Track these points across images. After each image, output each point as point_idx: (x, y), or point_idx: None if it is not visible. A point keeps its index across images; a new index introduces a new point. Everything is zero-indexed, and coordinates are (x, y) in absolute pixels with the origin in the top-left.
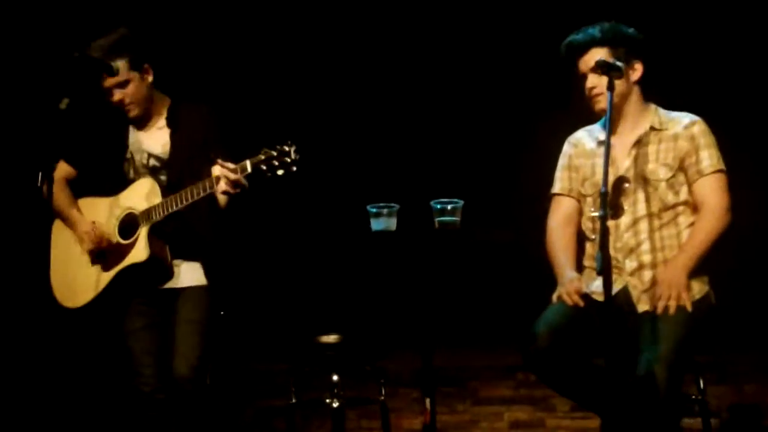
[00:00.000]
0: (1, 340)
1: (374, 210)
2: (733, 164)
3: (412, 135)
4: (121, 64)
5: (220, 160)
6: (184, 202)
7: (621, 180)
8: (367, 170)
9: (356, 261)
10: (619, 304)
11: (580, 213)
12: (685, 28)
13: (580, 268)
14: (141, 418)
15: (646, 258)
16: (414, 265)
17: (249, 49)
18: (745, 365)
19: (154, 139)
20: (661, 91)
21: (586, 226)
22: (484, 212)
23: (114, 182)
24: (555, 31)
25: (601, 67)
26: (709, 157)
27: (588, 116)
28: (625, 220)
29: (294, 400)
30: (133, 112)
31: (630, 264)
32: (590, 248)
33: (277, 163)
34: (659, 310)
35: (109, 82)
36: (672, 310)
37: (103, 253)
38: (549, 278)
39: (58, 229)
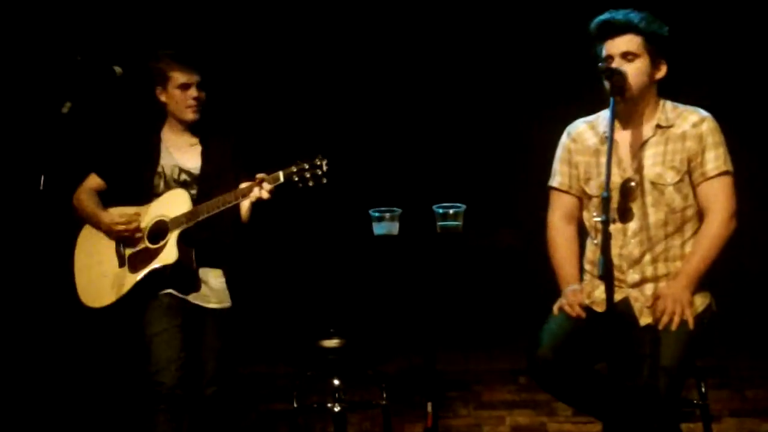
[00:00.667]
0: (18, 339)
1: (376, 214)
2: (739, 164)
3: (414, 139)
4: (201, 74)
5: (260, 175)
6: (214, 210)
7: (628, 182)
8: (369, 175)
9: (358, 265)
10: (620, 313)
11: (581, 209)
12: (693, 24)
13: (581, 268)
14: (156, 415)
15: (649, 271)
16: (416, 269)
17: (252, 54)
18: (747, 370)
19: (186, 155)
20: (670, 89)
21: (591, 225)
22: (486, 216)
23: (144, 195)
24: (555, 33)
25: (605, 72)
26: (714, 159)
27: (596, 102)
28: (632, 226)
29: (296, 405)
30: (197, 114)
31: (632, 276)
32: (591, 253)
33: (308, 175)
34: (661, 325)
35: (195, 78)
36: (674, 327)
37: (132, 257)
38: (551, 283)
39: (85, 234)
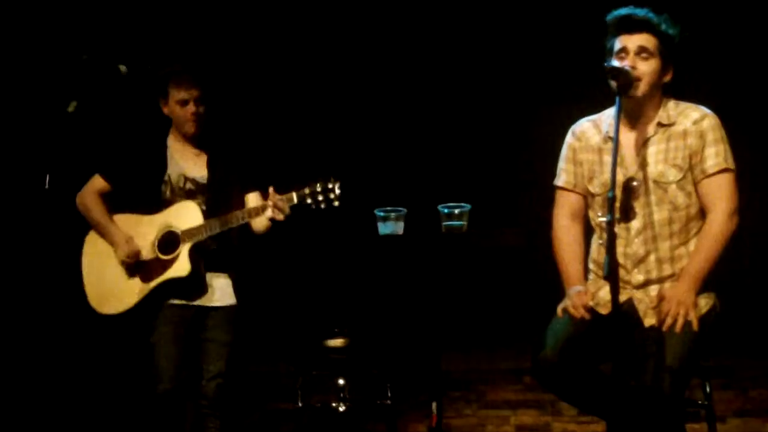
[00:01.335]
0: (24, 340)
1: (381, 214)
2: (743, 164)
3: (419, 139)
4: (201, 89)
5: (272, 190)
6: (227, 226)
7: (631, 181)
8: (374, 174)
9: (364, 265)
10: (624, 314)
11: (586, 208)
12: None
13: (586, 267)
14: (157, 417)
15: (654, 272)
16: (421, 269)
17: (258, 54)
18: (752, 370)
19: (192, 164)
20: (673, 88)
21: (596, 224)
22: (492, 216)
23: (150, 201)
24: (558, 33)
25: (611, 72)
26: (715, 155)
27: (601, 101)
28: (636, 224)
29: (301, 404)
30: (197, 128)
31: (637, 277)
32: (596, 253)
33: (321, 198)
34: (665, 327)
35: (194, 93)
36: (678, 328)
37: (141, 266)
38: (556, 282)
39: (93, 238)
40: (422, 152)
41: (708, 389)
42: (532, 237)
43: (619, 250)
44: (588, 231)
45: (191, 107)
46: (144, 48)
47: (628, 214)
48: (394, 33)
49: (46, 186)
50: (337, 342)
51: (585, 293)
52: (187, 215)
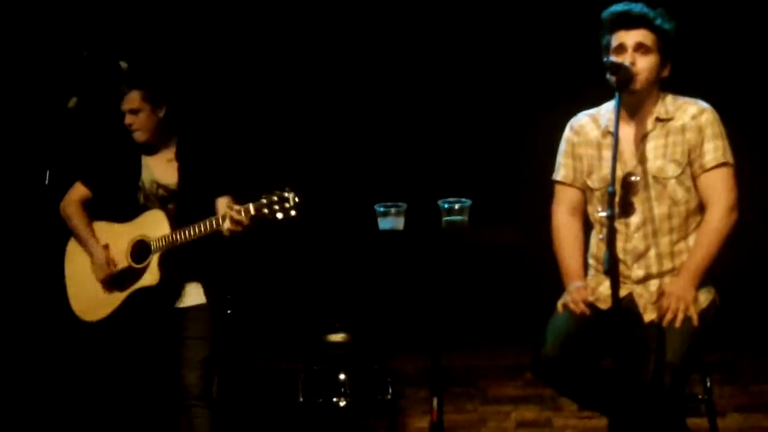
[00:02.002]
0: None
1: (382, 209)
2: (742, 157)
3: (419, 134)
4: (135, 93)
5: (229, 201)
6: (192, 236)
7: (629, 176)
8: (374, 169)
9: (364, 260)
10: (624, 309)
11: (586, 203)
12: (693, 19)
13: (586, 262)
14: (147, 423)
15: (654, 267)
16: (421, 264)
17: (258, 48)
18: (752, 366)
19: (163, 170)
20: (671, 84)
21: (595, 220)
22: (492, 211)
23: (127, 208)
24: (557, 30)
25: (610, 67)
26: (713, 150)
27: (600, 98)
28: (635, 219)
29: (302, 399)
30: (138, 137)
31: (637, 272)
32: (596, 248)
33: (277, 207)
34: (665, 322)
35: (123, 107)
36: (678, 323)
37: (117, 275)
38: (557, 278)
39: (74, 245)
40: (422, 147)
41: (708, 384)
42: (533, 232)
43: (619, 245)
44: (587, 226)
45: (127, 119)
46: (144, 44)
47: (627, 210)
48: (395, 29)
49: (46, 182)
50: (337, 337)
51: (585, 288)
52: (155, 224)
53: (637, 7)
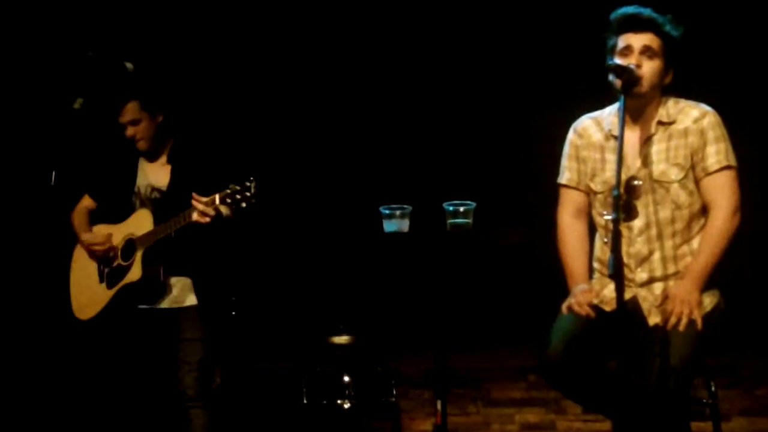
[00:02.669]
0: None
1: (387, 212)
2: (745, 160)
3: (424, 137)
4: (132, 104)
5: (195, 195)
6: (169, 230)
7: (632, 180)
8: (379, 172)
9: (369, 262)
10: (628, 312)
11: (590, 206)
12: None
13: (590, 265)
14: (146, 425)
15: (658, 270)
16: (426, 266)
17: (262, 50)
18: (757, 369)
19: (158, 174)
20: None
21: (599, 223)
22: (497, 214)
23: (122, 212)
24: (561, 32)
25: (615, 70)
26: (716, 153)
27: (605, 100)
28: (638, 223)
29: (306, 401)
30: (142, 146)
31: (641, 275)
32: (600, 251)
33: (239, 197)
34: (669, 326)
35: (123, 119)
36: (682, 327)
37: (110, 273)
38: (561, 280)
39: (80, 249)
40: (427, 150)
41: (713, 388)
42: (537, 235)
43: (622, 249)
44: (593, 229)
45: (128, 131)
46: (141, 47)
47: (630, 213)
48: (399, 31)
49: (52, 182)
50: (342, 339)
51: (589, 291)
52: (141, 222)
53: (647, 11)
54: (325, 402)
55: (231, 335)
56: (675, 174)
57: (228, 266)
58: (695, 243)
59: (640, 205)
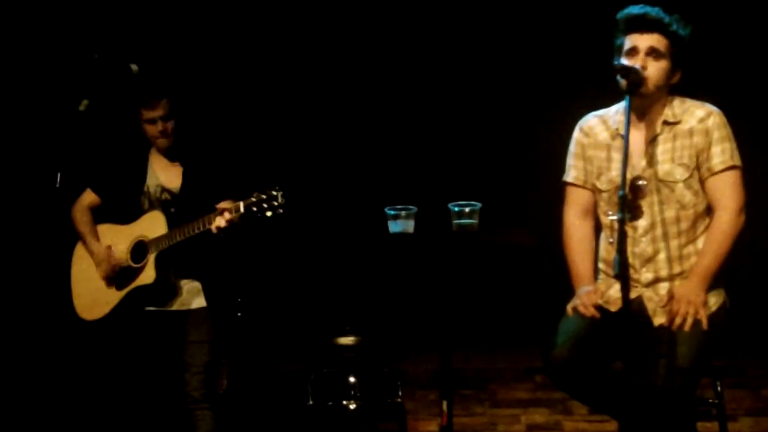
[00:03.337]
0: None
1: (392, 212)
2: (751, 159)
3: (429, 137)
4: (164, 101)
5: (223, 204)
6: (186, 235)
7: (637, 179)
8: (385, 173)
9: (374, 263)
10: (633, 312)
11: (596, 205)
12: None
13: (596, 266)
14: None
15: (664, 271)
16: (432, 267)
17: (267, 51)
18: (763, 369)
19: (168, 174)
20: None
21: (604, 223)
22: (502, 215)
23: (130, 212)
24: (566, 32)
25: (621, 71)
26: (721, 153)
27: (609, 100)
28: (642, 223)
29: (311, 402)
30: (164, 144)
31: (646, 275)
32: (606, 252)
33: (266, 206)
34: (675, 326)
35: (152, 115)
36: (688, 327)
37: (118, 274)
38: (567, 281)
39: (82, 247)
40: (433, 150)
41: (719, 388)
42: (543, 235)
43: (627, 249)
44: (599, 228)
45: (158, 125)
46: (154, 47)
47: (635, 213)
48: (404, 32)
49: (57, 184)
50: (347, 340)
51: (595, 292)
52: (154, 225)
53: (654, 11)
54: (330, 403)
55: (237, 337)
56: (680, 174)
57: (236, 268)
58: (700, 243)
59: (644, 204)
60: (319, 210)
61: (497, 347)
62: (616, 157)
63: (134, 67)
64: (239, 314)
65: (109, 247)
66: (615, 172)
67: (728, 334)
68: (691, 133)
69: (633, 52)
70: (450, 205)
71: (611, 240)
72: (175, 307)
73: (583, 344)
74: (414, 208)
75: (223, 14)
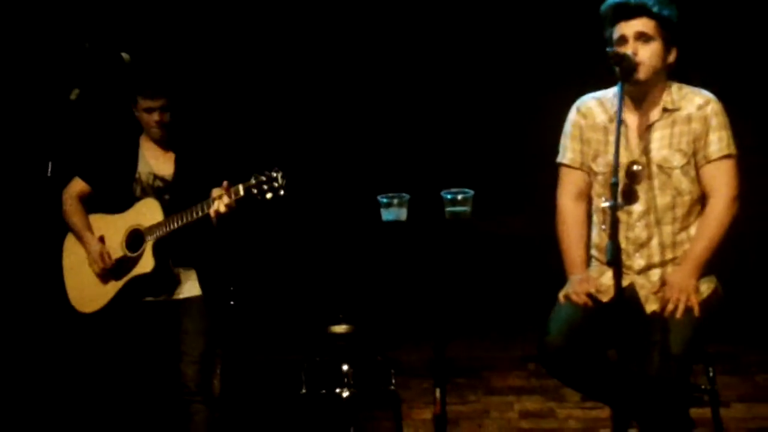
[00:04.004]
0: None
1: (385, 200)
2: (746, 148)
3: (421, 124)
4: (166, 98)
5: (225, 185)
6: (184, 221)
7: (633, 165)
8: (377, 160)
9: (367, 251)
10: (626, 300)
11: (591, 186)
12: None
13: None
14: (147, 418)
15: (656, 256)
16: (425, 255)
17: (260, 39)
18: (756, 356)
19: (161, 162)
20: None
21: (597, 207)
22: (496, 202)
23: (122, 200)
24: (560, 17)
25: (613, 58)
26: (718, 141)
27: (604, 86)
28: (637, 208)
29: (305, 390)
30: (160, 134)
31: (639, 261)
32: (599, 238)
33: (266, 187)
34: (667, 313)
35: (153, 105)
36: (679, 314)
37: (114, 265)
38: (561, 268)
39: (72, 238)
40: (425, 137)
41: (712, 374)
42: (537, 223)
43: (621, 234)
44: (589, 214)
45: (155, 115)
46: (146, 36)
47: (630, 198)
48: (394, 19)
49: (49, 174)
50: (341, 328)
51: (587, 280)
52: (149, 212)
53: None
54: (324, 391)
55: (231, 326)
56: (678, 160)
57: (230, 256)
58: (693, 230)
59: (640, 190)
60: (311, 198)
61: (490, 335)
62: (614, 140)
63: (125, 56)
64: (232, 303)
65: (102, 238)
66: (612, 156)
67: (721, 321)
68: (689, 119)
69: (622, 40)
70: (443, 193)
71: (604, 227)
72: (173, 296)
73: (577, 332)
74: (407, 196)
75: (216, 1)
